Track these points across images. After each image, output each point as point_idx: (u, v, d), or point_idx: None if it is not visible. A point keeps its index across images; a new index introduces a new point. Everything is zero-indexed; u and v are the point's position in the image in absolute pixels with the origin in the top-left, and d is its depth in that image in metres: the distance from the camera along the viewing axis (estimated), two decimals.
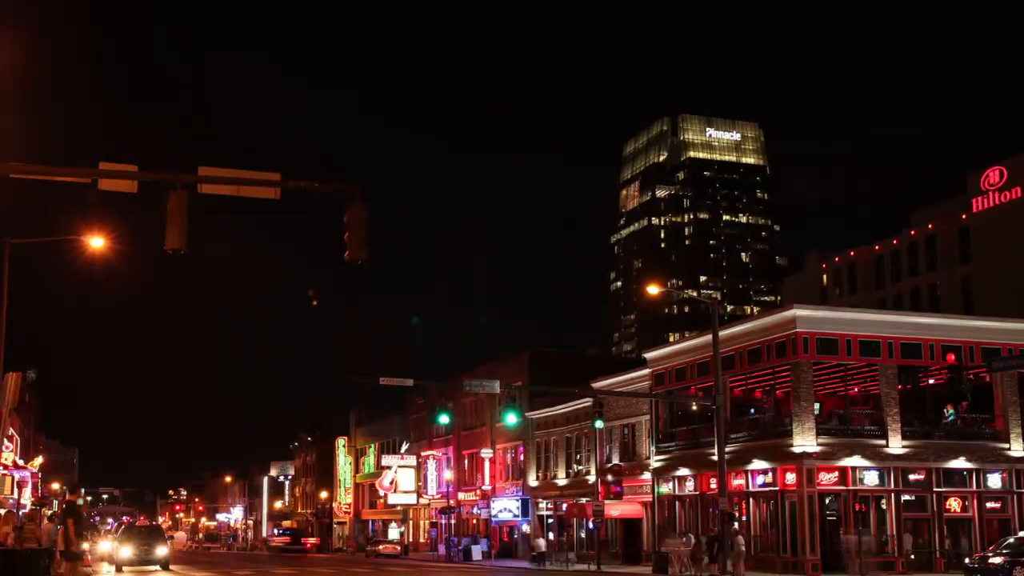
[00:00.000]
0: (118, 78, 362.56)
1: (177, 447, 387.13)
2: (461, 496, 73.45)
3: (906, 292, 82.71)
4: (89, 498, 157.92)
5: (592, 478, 54.80)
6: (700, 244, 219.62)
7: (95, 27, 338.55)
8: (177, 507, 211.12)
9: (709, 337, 42.33)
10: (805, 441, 39.33)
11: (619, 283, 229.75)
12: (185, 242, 18.64)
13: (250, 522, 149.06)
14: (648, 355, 52.76)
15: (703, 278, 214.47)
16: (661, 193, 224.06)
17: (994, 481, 41.94)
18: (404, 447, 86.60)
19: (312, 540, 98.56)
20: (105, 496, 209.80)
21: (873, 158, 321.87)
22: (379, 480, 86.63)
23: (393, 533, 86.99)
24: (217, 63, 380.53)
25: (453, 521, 73.01)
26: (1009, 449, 41.88)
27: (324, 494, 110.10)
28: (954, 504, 41.54)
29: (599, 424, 48.92)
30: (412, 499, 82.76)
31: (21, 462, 68.79)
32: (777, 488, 41.04)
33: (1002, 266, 73.43)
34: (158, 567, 41.67)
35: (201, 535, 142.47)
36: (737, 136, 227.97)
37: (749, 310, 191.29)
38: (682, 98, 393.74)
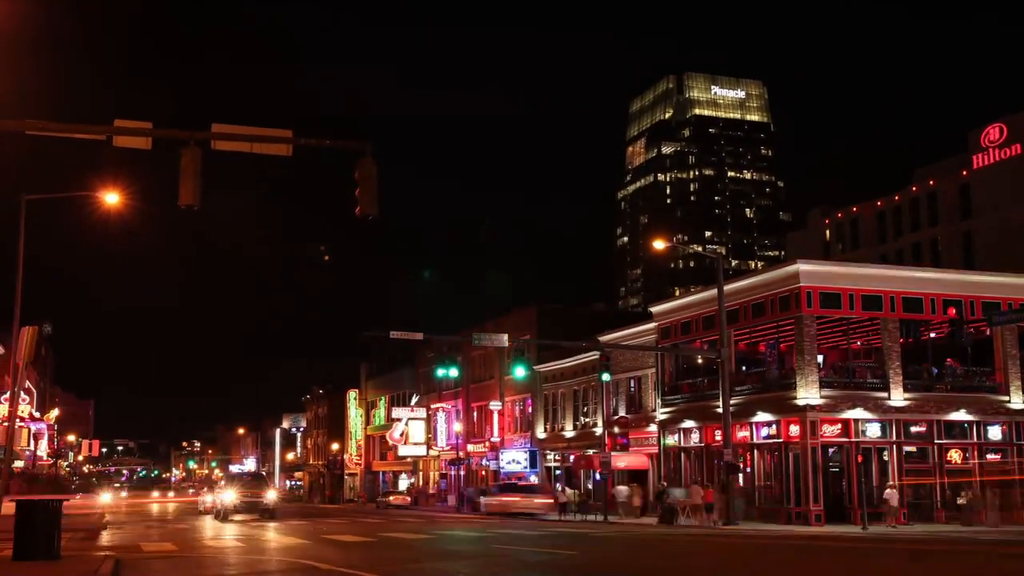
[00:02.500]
0: (132, 37, 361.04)
1: (191, 400, 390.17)
2: (470, 448, 74.39)
3: (908, 247, 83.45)
4: (104, 450, 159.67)
5: (599, 430, 55.38)
6: (705, 200, 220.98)
7: None
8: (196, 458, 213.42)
9: (714, 291, 42.79)
10: (808, 394, 39.75)
11: (625, 238, 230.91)
12: (198, 197, 18.93)
13: (263, 473, 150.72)
14: (654, 309, 53.23)
15: (708, 233, 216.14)
16: (667, 150, 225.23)
17: (994, 433, 42.44)
18: (414, 400, 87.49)
19: None
20: (120, 448, 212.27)
21: (876, 116, 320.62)
22: (389, 432, 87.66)
23: (403, 484, 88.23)
24: (232, 23, 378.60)
25: (462, 472, 74.02)
26: (1009, 402, 42.37)
27: (335, 446, 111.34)
28: (955, 456, 41.86)
29: (606, 377, 49.55)
30: (422, 451, 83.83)
31: (37, 414, 69.96)
32: (781, 440, 41.38)
33: (1002, 221, 74.14)
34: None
35: None
36: (741, 94, 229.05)
37: (753, 265, 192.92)
38: (687, 56, 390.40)
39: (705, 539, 28.27)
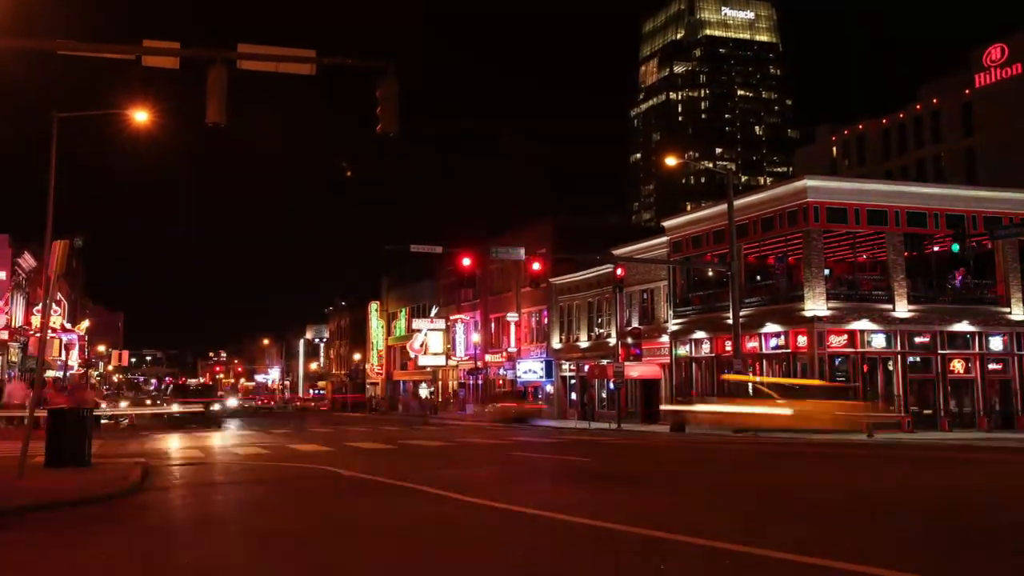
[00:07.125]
0: None
1: (217, 312, 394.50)
2: (488, 358, 75.99)
3: (912, 164, 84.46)
4: (133, 360, 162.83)
5: (613, 341, 56.53)
6: (716, 118, 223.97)
7: None
8: (217, 368, 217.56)
9: (724, 206, 43.53)
10: (816, 305, 40.68)
11: (638, 155, 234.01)
12: (225, 115, 19.65)
13: (287, 382, 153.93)
14: (666, 223, 53.80)
15: (718, 150, 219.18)
16: (678, 69, 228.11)
17: (996, 343, 43.32)
18: (434, 311, 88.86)
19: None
20: (149, 358, 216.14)
21: (881, 36, 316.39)
22: (410, 343, 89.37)
23: (423, 393, 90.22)
24: None
25: (480, 381, 75.80)
26: (1010, 313, 43.29)
27: (357, 356, 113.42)
28: (957, 365, 42.82)
29: (619, 289, 50.73)
30: (441, 361, 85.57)
31: (69, 325, 71.88)
32: (789, 350, 42.36)
33: (1003, 138, 75.09)
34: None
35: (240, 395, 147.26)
36: (751, 15, 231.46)
37: (762, 180, 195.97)
38: None
39: (720, 445, 29.28)
